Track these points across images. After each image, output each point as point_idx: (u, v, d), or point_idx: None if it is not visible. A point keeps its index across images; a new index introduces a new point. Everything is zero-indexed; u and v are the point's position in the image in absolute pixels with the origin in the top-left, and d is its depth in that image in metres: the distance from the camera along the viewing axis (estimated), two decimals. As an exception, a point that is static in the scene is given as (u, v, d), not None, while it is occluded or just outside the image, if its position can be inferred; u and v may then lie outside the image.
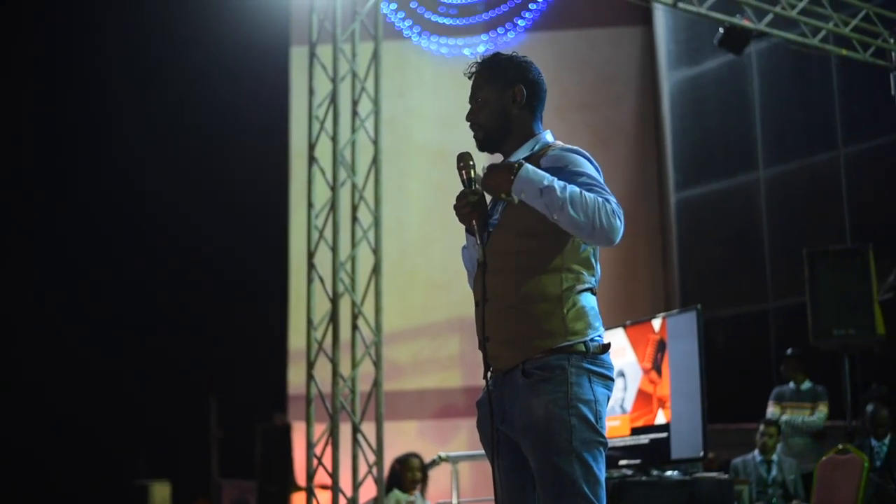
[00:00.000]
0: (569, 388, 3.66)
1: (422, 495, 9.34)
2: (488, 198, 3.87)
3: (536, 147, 3.90)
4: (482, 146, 3.98)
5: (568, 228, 3.61)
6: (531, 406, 3.67)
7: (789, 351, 10.71)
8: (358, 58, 9.71)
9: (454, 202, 3.84)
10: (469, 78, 4.00)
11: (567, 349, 3.70)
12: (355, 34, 9.72)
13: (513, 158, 3.87)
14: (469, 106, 4.00)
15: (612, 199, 3.61)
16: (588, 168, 3.74)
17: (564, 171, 3.69)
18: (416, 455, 9.52)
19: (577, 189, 3.56)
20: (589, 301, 3.80)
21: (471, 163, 3.84)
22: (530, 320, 3.72)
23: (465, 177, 3.84)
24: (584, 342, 3.72)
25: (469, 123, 3.98)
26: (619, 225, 3.58)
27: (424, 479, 9.39)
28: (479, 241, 3.82)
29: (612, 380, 3.80)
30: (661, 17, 14.90)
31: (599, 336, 3.78)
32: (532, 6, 15.17)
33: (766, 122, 13.82)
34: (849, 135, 12.82)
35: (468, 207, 3.80)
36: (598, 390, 3.72)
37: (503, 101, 3.92)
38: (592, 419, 3.67)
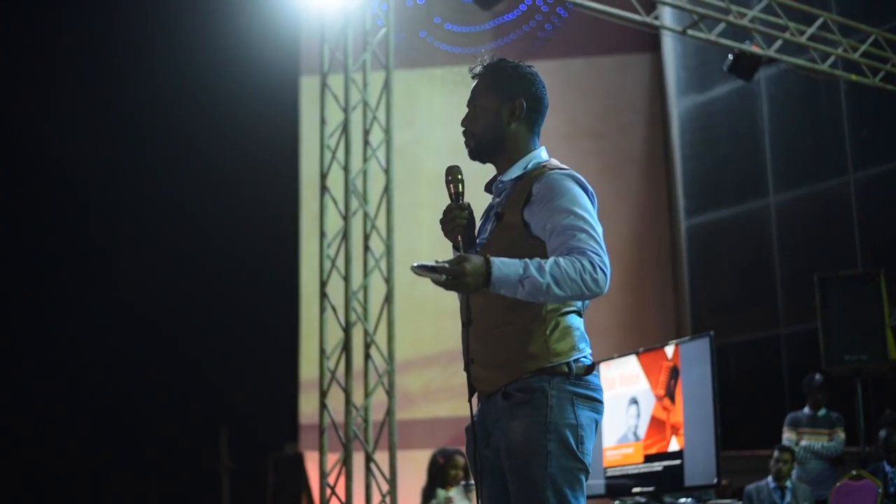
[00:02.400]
0: (549, 412, 3.55)
1: (465, 495, 9.29)
2: (477, 214, 3.80)
3: (530, 166, 3.80)
4: (473, 156, 3.88)
5: (557, 303, 3.58)
6: (509, 429, 3.59)
7: (818, 376, 10.60)
8: (369, 87, 9.74)
9: (441, 216, 3.75)
10: (472, 78, 3.91)
11: (549, 370, 3.59)
12: (366, 64, 9.76)
13: (505, 178, 3.80)
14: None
15: (597, 246, 3.52)
16: (578, 200, 3.62)
17: (552, 207, 3.60)
18: (461, 453, 9.46)
19: (554, 263, 3.43)
20: (574, 322, 3.68)
21: (459, 177, 3.73)
22: (514, 342, 3.64)
23: (452, 191, 3.73)
24: (567, 363, 3.60)
25: (462, 129, 3.88)
26: (605, 278, 3.48)
27: (466, 478, 9.35)
28: None
29: (601, 402, 3.67)
30: (669, 43, 14.93)
31: (585, 357, 3.66)
32: (540, 35, 15.21)
33: (775, 147, 13.82)
34: (859, 160, 12.82)
35: (454, 222, 3.71)
36: (581, 413, 3.60)
37: (501, 112, 3.82)
38: (573, 444, 3.56)
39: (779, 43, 11.42)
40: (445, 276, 3.40)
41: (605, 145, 15.11)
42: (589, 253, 3.48)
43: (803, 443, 10.42)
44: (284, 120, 15.00)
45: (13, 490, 15.33)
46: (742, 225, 14.23)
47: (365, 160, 9.63)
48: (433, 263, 3.43)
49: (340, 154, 9.54)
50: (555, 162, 3.83)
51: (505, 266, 3.42)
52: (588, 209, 3.63)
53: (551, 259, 3.45)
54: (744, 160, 14.29)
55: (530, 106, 3.85)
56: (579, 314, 3.74)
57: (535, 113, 3.87)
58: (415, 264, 3.41)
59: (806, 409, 10.63)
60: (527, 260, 3.44)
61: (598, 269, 3.46)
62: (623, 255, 14.47)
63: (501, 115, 3.82)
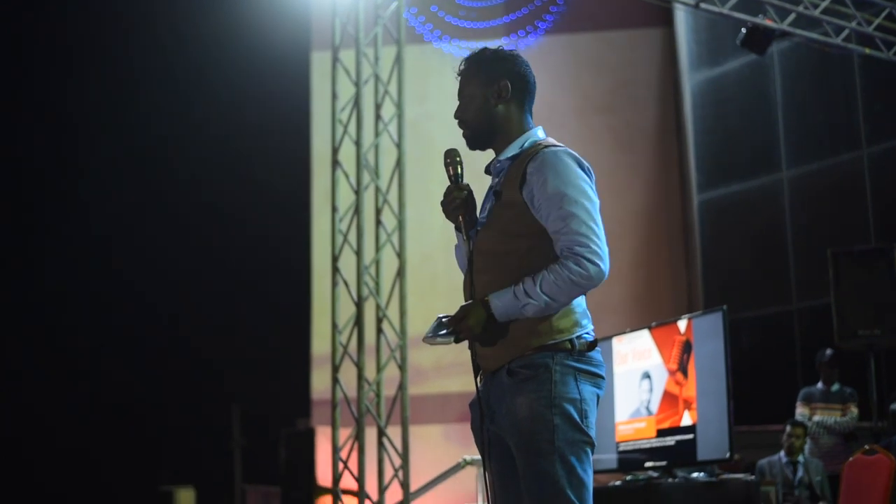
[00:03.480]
0: (553, 387, 3.61)
1: None
2: (478, 195, 3.87)
3: (526, 145, 3.84)
4: (471, 144, 3.94)
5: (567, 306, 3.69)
6: (515, 405, 3.64)
7: (830, 351, 10.59)
8: (381, 61, 9.72)
9: (441, 198, 3.83)
10: (457, 77, 3.97)
11: (552, 347, 3.65)
12: (378, 38, 9.74)
13: (502, 157, 3.86)
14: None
15: (588, 233, 3.60)
16: (570, 179, 3.68)
17: (546, 190, 3.65)
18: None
19: (543, 279, 3.57)
20: (576, 300, 3.72)
21: (458, 159, 3.83)
22: (517, 320, 3.68)
23: (451, 173, 3.84)
24: (570, 339, 3.66)
25: (457, 121, 3.95)
26: (597, 266, 3.59)
27: None
28: (465, 238, 3.82)
29: (602, 377, 3.73)
30: (682, 17, 14.86)
31: (587, 333, 3.73)
32: (552, 9, 15.15)
33: (788, 122, 13.76)
34: (872, 134, 12.77)
35: (455, 202, 3.79)
36: (584, 388, 3.66)
37: (488, 96, 3.87)
38: (577, 418, 3.62)
39: (792, 16, 11.36)
40: (455, 337, 3.68)
41: (617, 120, 15.05)
42: (575, 249, 3.59)
43: (816, 418, 10.41)
44: (295, 95, 14.97)
45: (28, 469, 15.39)
46: (755, 200, 14.19)
47: (377, 135, 9.63)
48: (435, 330, 3.71)
49: (352, 129, 9.54)
50: (551, 140, 3.88)
51: (499, 300, 3.63)
52: (580, 186, 3.68)
53: (541, 274, 3.59)
54: (756, 135, 14.24)
55: (515, 86, 3.89)
56: None
57: (521, 92, 3.92)
58: (425, 337, 3.73)
59: (819, 385, 10.61)
60: (517, 286, 3.61)
61: (585, 264, 3.57)
62: (635, 231, 14.45)
63: (489, 99, 3.88)
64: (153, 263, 15.71)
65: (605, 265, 3.59)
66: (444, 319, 3.70)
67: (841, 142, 13.17)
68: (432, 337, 3.69)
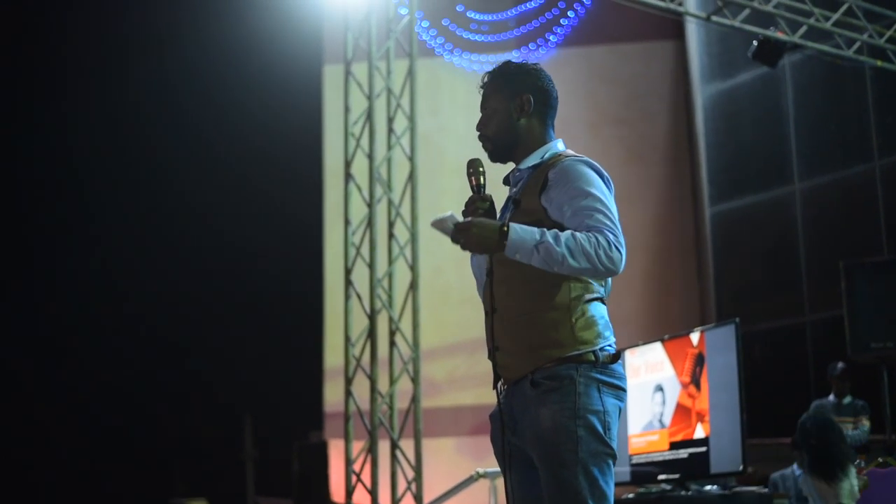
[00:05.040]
0: (577, 399, 3.61)
1: None
2: (497, 205, 3.86)
3: (546, 156, 3.87)
4: (493, 157, 3.96)
5: (571, 275, 3.63)
6: (539, 416, 3.64)
7: (842, 365, 10.56)
8: (393, 75, 9.75)
9: (463, 209, 3.82)
10: (481, 90, 3.99)
11: (576, 359, 3.65)
12: (390, 52, 9.76)
13: (522, 166, 3.88)
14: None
15: (613, 226, 3.61)
16: (595, 185, 3.71)
17: (569, 190, 3.68)
18: None
19: (570, 235, 3.54)
20: (598, 310, 3.74)
21: (480, 169, 3.83)
22: (539, 330, 3.69)
23: (474, 183, 3.83)
24: (594, 351, 3.67)
25: (478, 134, 3.96)
26: (621, 256, 3.58)
27: None
28: None
29: (624, 390, 3.74)
30: (693, 30, 14.87)
31: (610, 346, 3.73)
32: (563, 21, 15.17)
33: (800, 134, 13.75)
34: (884, 146, 12.75)
35: (476, 213, 3.76)
36: (607, 401, 3.67)
37: (510, 110, 3.89)
38: (601, 430, 3.63)
39: (804, 29, 11.37)
40: (454, 225, 3.60)
41: (629, 133, 15.07)
42: (606, 231, 3.58)
43: (829, 431, 10.37)
44: (308, 109, 15.02)
45: (33, 478, 15.42)
46: (767, 212, 14.17)
47: (389, 148, 9.65)
48: (446, 224, 3.63)
49: (364, 142, 9.56)
50: (571, 152, 3.90)
51: (522, 230, 3.55)
52: (604, 192, 3.71)
53: (569, 231, 3.56)
54: (768, 147, 14.23)
55: (538, 99, 3.92)
56: (603, 302, 3.80)
57: (544, 106, 3.94)
58: (435, 218, 3.63)
59: (831, 397, 10.59)
60: (544, 229, 3.55)
61: (612, 247, 3.55)
62: (648, 243, 14.45)
63: (511, 113, 3.91)
64: (166, 276, 15.75)
65: (624, 262, 3.59)
66: (456, 220, 3.65)
67: (853, 154, 13.16)
68: (440, 221, 3.65)
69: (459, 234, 3.61)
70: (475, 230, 3.58)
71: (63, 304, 15.83)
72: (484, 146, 3.95)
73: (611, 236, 3.56)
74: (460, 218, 3.70)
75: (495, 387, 3.81)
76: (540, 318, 3.70)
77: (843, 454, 6.16)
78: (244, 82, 15.29)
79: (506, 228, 3.55)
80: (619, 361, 3.75)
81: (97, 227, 15.99)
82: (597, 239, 3.54)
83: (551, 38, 15.14)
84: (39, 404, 15.31)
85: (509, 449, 3.78)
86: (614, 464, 3.68)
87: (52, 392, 15.38)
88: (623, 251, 3.58)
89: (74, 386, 15.36)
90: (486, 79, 3.98)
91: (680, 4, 11.11)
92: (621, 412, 3.76)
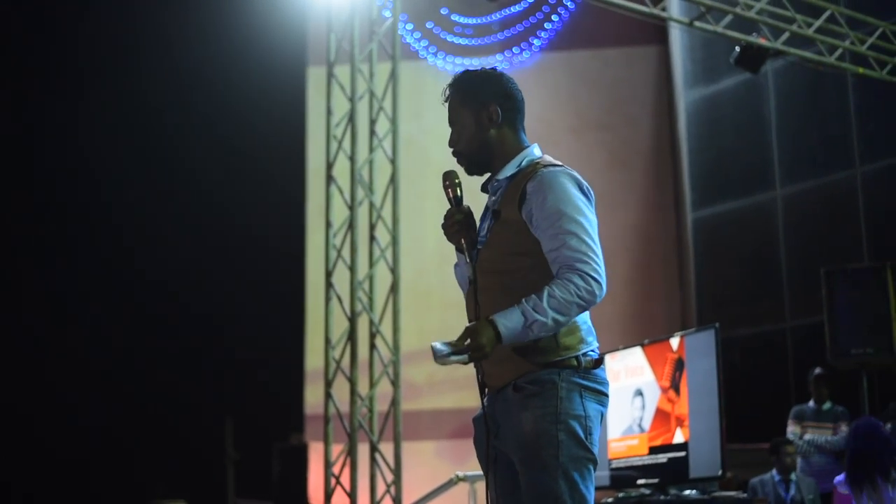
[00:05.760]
0: (559, 403, 3.62)
1: None
2: (476, 215, 3.86)
3: (523, 163, 3.84)
4: (469, 172, 3.94)
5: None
6: (521, 420, 3.65)
7: (818, 371, 10.59)
8: (375, 77, 9.75)
9: (442, 221, 3.82)
10: (444, 102, 3.95)
11: (558, 364, 3.66)
12: (373, 54, 9.76)
13: (500, 176, 3.85)
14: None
15: (587, 253, 3.60)
16: (569, 198, 3.68)
17: (545, 209, 3.66)
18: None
19: (548, 296, 3.54)
20: (581, 316, 3.73)
21: (457, 181, 3.82)
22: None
23: (451, 195, 3.82)
24: (576, 356, 3.68)
25: (451, 150, 3.93)
26: (600, 285, 3.59)
27: None
28: (468, 260, 3.80)
29: (606, 395, 3.75)
30: (676, 36, 14.91)
31: (593, 351, 3.74)
32: (547, 26, 15.19)
33: (782, 140, 13.80)
34: (865, 153, 12.80)
35: (456, 226, 3.77)
36: (589, 405, 3.67)
37: (480, 123, 3.86)
38: (582, 435, 3.63)
39: (786, 35, 11.40)
40: (468, 356, 3.59)
41: (612, 138, 15.09)
42: (577, 266, 3.59)
43: (807, 437, 10.41)
44: (291, 110, 15.00)
45: (22, 481, 15.36)
46: (748, 218, 14.21)
47: (371, 150, 9.64)
48: (449, 350, 3.61)
49: (346, 144, 9.56)
50: (548, 158, 3.87)
51: (508, 321, 3.55)
52: (578, 206, 3.68)
53: (545, 291, 3.56)
54: (750, 153, 14.27)
55: (505, 107, 3.88)
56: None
57: (512, 112, 3.90)
58: (437, 356, 3.60)
59: (811, 403, 10.61)
60: (523, 304, 3.56)
61: (589, 280, 3.57)
62: (629, 248, 14.47)
63: (481, 125, 3.87)
64: (147, 277, 15.70)
65: (604, 285, 3.61)
66: (453, 344, 3.63)
67: (835, 160, 13.20)
68: (445, 357, 3.62)
69: (471, 345, 3.57)
70: (482, 339, 3.55)
71: (46, 304, 15.79)
72: (459, 162, 3.93)
73: (585, 266, 3.58)
74: (444, 346, 3.65)
75: (481, 393, 3.81)
76: None
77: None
78: (227, 83, 15.25)
79: (492, 327, 3.55)
80: (602, 366, 3.76)
81: (83, 228, 15.94)
82: (573, 283, 3.55)
83: (535, 42, 15.16)
84: (21, 402, 15.24)
85: (493, 453, 3.78)
86: (595, 469, 3.69)
87: (33, 390, 15.32)
88: (601, 278, 3.59)
89: (53, 386, 15.31)
90: (447, 92, 3.94)
91: (663, 10, 11.13)
92: (603, 417, 3.77)
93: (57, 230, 15.96)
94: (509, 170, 3.85)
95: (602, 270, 3.59)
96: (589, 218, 3.68)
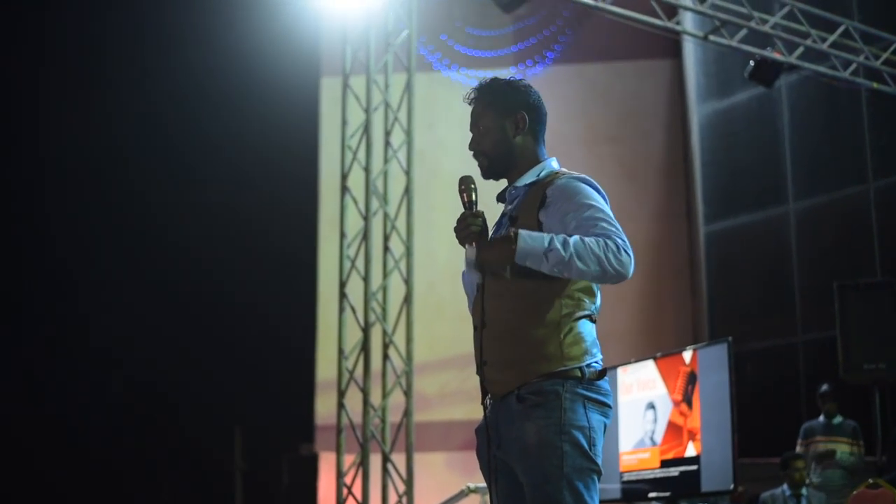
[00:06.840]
0: (562, 414, 3.62)
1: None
2: (489, 221, 3.83)
3: (542, 174, 3.87)
4: (487, 174, 3.95)
5: (579, 279, 3.64)
6: (524, 431, 3.64)
7: (824, 388, 10.57)
8: (391, 88, 9.77)
9: (455, 225, 3.78)
10: (469, 104, 3.97)
11: (562, 374, 3.66)
12: (388, 65, 9.78)
13: (519, 184, 3.88)
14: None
15: (619, 233, 3.60)
16: (595, 198, 3.72)
17: (571, 203, 3.68)
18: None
19: (579, 240, 3.52)
20: (587, 328, 3.75)
21: (472, 186, 3.78)
22: (527, 345, 3.69)
23: (466, 200, 3.78)
24: (580, 367, 3.68)
25: (472, 152, 3.95)
26: (629, 260, 3.57)
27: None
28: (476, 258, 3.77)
29: (610, 406, 3.75)
30: (690, 49, 14.90)
31: (597, 362, 3.74)
32: (561, 38, 15.21)
33: (796, 155, 13.78)
34: (879, 168, 12.78)
35: (469, 230, 3.72)
36: (593, 417, 3.67)
37: (505, 128, 3.89)
38: (586, 446, 3.63)
39: (800, 50, 11.40)
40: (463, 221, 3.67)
41: (625, 151, 15.08)
42: (614, 236, 3.57)
43: (821, 449, 10.36)
44: (304, 121, 15.02)
45: (27, 490, 15.38)
46: (761, 232, 14.19)
47: (386, 161, 9.66)
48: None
49: (361, 155, 9.57)
50: (566, 170, 3.91)
51: (532, 238, 3.53)
52: (603, 206, 3.71)
53: (577, 235, 3.54)
54: (764, 167, 14.25)
55: (532, 117, 3.92)
56: (592, 320, 3.80)
57: (537, 123, 3.95)
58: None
59: (821, 418, 10.60)
60: (553, 234, 3.53)
61: (622, 251, 3.55)
62: (642, 261, 14.29)
63: (506, 131, 3.90)
64: (158, 287, 15.73)
65: (632, 269, 3.59)
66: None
67: (848, 175, 13.18)
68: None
69: (487, 245, 3.63)
70: (473, 227, 3.64)
71: (50, 315, 15.82)
72: (480, 162, 3.94)
73: (619, 241, 3.56)
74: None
75: (483, 401, 3.82)
76: (529, 334, 3.70)
77: None
78: (241, 93, 15.30)
79: (513, 234, 3.55)
80: (606, 378, 3.76)
81: (90, 237, 15.98)
82: (605, 243, 3.53)
83: (548, 54, 15.17)
84: (27, 413, 15.27)
85: (495, 463, 3.78)
86: (599, 480, 3.68)
87: (40, 400, 15.35)
88: (632, 255, 3.57)
89: (61, 396, 15.33)
90: (473, 94, 3.96)
91: (677, 23, 11.14)
92: (607, 428, 3.76)
93: (69, 240, 16.00)
94: (528, 178, 3.87)
95: (632, 254, 3.58)
96: (612, 217, 3.69)
